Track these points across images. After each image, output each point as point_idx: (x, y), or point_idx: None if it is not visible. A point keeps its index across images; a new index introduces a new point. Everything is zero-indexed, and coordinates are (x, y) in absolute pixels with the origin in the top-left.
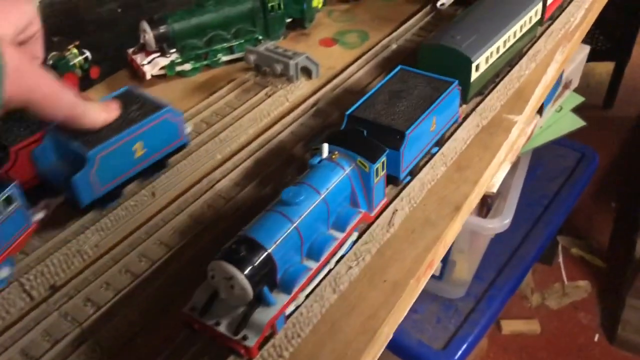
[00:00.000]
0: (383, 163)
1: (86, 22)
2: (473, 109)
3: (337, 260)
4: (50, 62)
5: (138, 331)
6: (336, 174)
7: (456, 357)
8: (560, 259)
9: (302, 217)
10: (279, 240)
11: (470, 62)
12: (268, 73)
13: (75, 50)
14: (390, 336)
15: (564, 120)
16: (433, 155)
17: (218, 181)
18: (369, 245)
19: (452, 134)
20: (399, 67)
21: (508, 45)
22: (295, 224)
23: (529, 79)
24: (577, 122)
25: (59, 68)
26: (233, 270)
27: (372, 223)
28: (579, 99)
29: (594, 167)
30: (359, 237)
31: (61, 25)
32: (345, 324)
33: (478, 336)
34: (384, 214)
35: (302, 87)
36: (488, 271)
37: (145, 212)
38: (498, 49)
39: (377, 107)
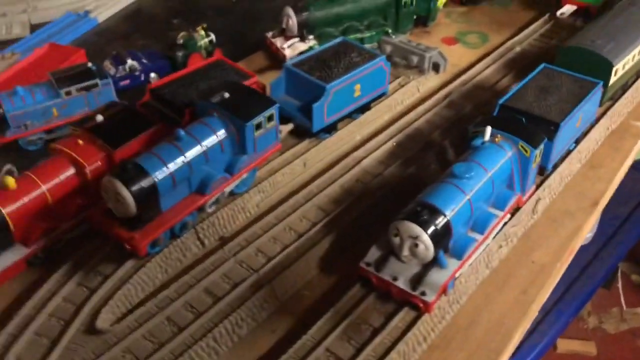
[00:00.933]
0: (541, 149)
1: (204, 9)
2: (604, 113)
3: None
4: (181, 41)
5: (310, 281)
6: (501, 156)
7: None
8: (620, 284)
9: (474, 191)
10: (456, 209)
11: (612, 66)
12: (399, 64)
13: (202, 32)
14: (536, 314)
15: None
16: (570, 151)
17: (362, 159)
18: (516, 228)
19: (586, 133)
20: (542, 65)
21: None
22: (468, 197)
23: None
24: None
25: (188, 47)
26: (419, 230)
27: (518, 208)
28: None
29: None
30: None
31: (181, 9)
32: (498, 296)
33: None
34: (529, 201)
35: (431, 79)
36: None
37: (299, 179)
38: (634, 57)
39: (527, 98)
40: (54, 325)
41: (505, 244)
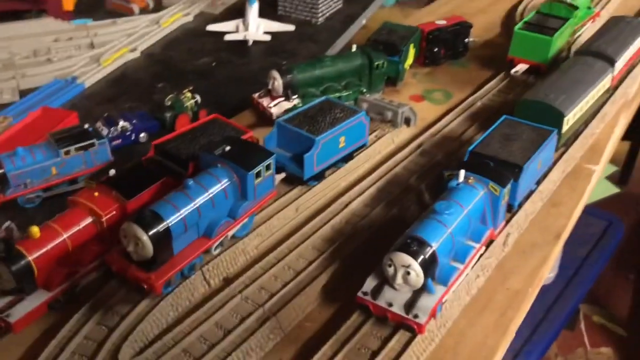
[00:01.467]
0: (508, 189)
1: (185, 73)
2: (559, 157)
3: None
4: (169, 103)
5: (310, 313)
6: (475, 195)
7: None
8: (582, 325)
9: (454, 225)
10: (440, 241)
11: (563, 117)
12: (375, 119)
13: (189, 94)
14: (514, 335)
15: (599, 187)
16: (532, 191)
17: (349, 203)
18: (491, 260)
19: (545, 175)
20: (504, 117)
21: (587, 106)
22: (449, 230)
23: (599, 137)
24: (611, 189)
25: (176, 109)
26: (411, 260)
27: (490, 243)
28: (612, 167)
29: (620, 235)
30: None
31: (163, 74)
32: (480, 320)
33: None
34: (500, 236)
35: (404, 132)
36: (518, 334)
37: (292, 223)
38: (581, 108)
39: (493, 145)
40: None
41: (482, 273)
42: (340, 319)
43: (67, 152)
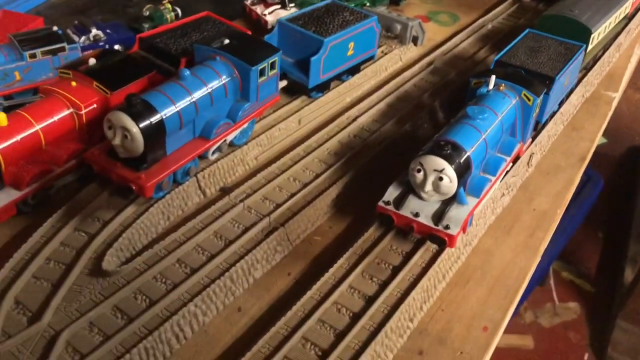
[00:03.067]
0: (541, 99)
1: None
2: (578, 82)
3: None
4: (147, 13)
5: (320, 226)
6: (507, 102)
7: None
8: (552, 281)
9: (488, 132)
10: (475, 146)
11: (590, 33)
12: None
13: (169, 5)
14: (540, 257)
15: None
16: (554, 113)
17: (357, 117)
18: (516, 179)
19: (566, 98)
20: (527, 30)
21: (610, 27)
22: (484, 136)
23: (616, 64)
24: (599, 139)
25: (155, 20)
26: (445, 163)
27: (517, 158)
28: None
29: (597, 192)
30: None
31: None
32: (508, 239)
33: None
34: (523, 155)
35: (412, 50)
36: None
37: (295, 135)
38: (605, 27)
39: (520, 56)
40: (54, 268)
41: (507, 192)
42: (353, 233)
43: (32, 56)
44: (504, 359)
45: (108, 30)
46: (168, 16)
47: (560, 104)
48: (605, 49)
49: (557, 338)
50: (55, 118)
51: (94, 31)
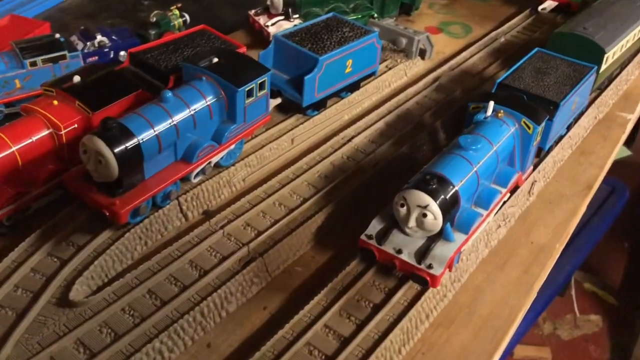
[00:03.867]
0: (542, 127)
1: None
2: (591, 103)
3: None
4: (154, 19)
5: (302, 256)
6: (504, 131)
7: None
8: (573, 292)
9: (480, 163)
10: (464, 181)
11: (604, 53)
12: (386, 47)
13: (177, 12)
14: (535, 295)
15: None
16: (562, 137)
17: (353, 137)
18: (514, 209)
19: (575, 121)
20: (536, 49)
21: (627, 46)
22: (475, 169)
23: (634, 83)
24: (624, 152)
25: (162, 26)
26: (429, 199)
27: (514, 190)
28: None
29: (623, 202)
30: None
31: None
32: (500, 276)
33: None
34: (524, 184)
35: (418, 64)
36: None
37: (287, 155)
38: (622, 46)
39: (525, 79)
40: (20, 297)
41: (504, 223)
42: (337, 265)
43: (33, 64)
44: None
45: (113, 37)
46: (175, 22)
47: (569, 127)
48: (622, 66)
49: (576, 351)
50: (33, 138)
51: (99, 37)
